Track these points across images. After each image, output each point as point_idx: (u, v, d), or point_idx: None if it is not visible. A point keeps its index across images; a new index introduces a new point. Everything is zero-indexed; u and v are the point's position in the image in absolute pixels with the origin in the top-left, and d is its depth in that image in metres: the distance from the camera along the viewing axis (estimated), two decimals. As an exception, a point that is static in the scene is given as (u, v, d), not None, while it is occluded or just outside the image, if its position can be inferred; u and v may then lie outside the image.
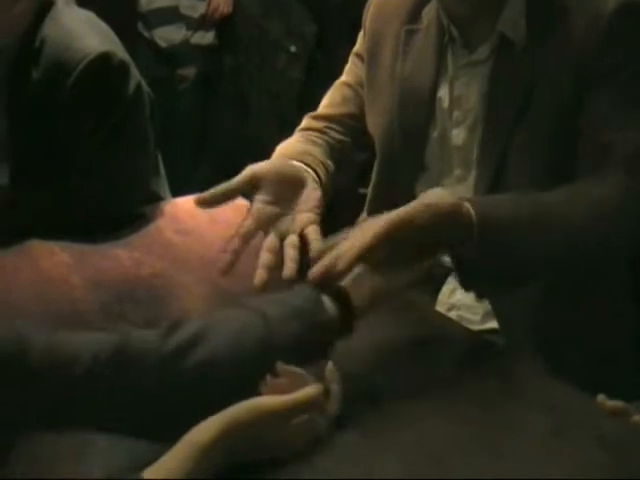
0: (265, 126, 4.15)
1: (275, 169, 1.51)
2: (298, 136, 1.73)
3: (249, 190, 1.49)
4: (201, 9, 4.01)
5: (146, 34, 3.91)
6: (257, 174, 1.49)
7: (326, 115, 1.76)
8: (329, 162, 1.66)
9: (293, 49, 4.08)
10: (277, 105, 4.16)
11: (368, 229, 1.20)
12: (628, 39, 1.45)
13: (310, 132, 1.73)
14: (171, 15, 3.89)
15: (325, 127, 1.74)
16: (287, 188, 1.49)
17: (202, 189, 1.93)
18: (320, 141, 1.70)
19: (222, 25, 4.10)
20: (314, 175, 1.56)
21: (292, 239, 1.43)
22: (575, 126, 1.47)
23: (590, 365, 1.48)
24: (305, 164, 1.57)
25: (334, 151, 1.70)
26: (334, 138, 1.73)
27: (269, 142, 4.23)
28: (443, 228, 1.24)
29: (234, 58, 4.22)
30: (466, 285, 1.36)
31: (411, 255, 1.24)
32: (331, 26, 4.13)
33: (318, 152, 1.65)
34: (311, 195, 1.50)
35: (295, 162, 1.56)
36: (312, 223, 1.45)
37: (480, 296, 1.46)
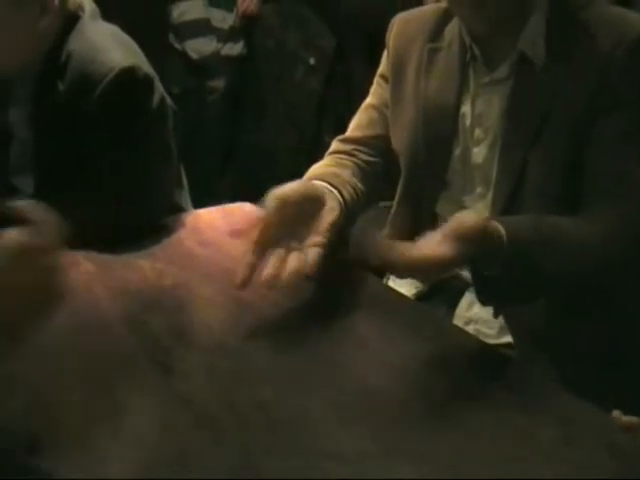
0: (283, 137, 4.19)
1: (297, 191, 1.51)
2: (327, 159, 1.77)
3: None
4: (230, 20, 4.06)
5: (177, 46, 3.95)
6: (283, 199, 1.48)
7: (354, 138, 1.78)
8: (358, 183, 1.68)
9: (312, 61, 4.12)
10: (295, 116, 4.20)
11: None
12: None
13: (339, 155, 1.76)
14: (203, 27, 3.94)
15: (354, 149, 1.76)
16: (308, 207, 1.50)
17: (225, 200, 1.98)
18: (349, 163, 1.73)
19: (249, 35, 4.14)
20: (338, 196, 1.57)
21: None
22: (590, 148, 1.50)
23: (604, 379, 1.50)
24: (330, 185, 1.58)
25: (364, 173, 1.73)
26: (363, 160, 1.75)
27: (287, 152, 4.28)
28: (475, 245, 1.28)
29: (255, 68, 4.26)
30: (484, 300, 1.40)
31: None
32: (349, 39, 4.16)
33: (346, 174, 1.67)
34: (325, 217, 1.50)
35: (318, 182, 1.57)
36: (317, 247, 1.45)
37: (496, 311, 1.49)
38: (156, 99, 1.84)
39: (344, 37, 4.15)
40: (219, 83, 4.04)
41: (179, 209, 1.94)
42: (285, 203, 1.47)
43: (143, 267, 1.64)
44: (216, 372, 1.32)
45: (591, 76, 1.49)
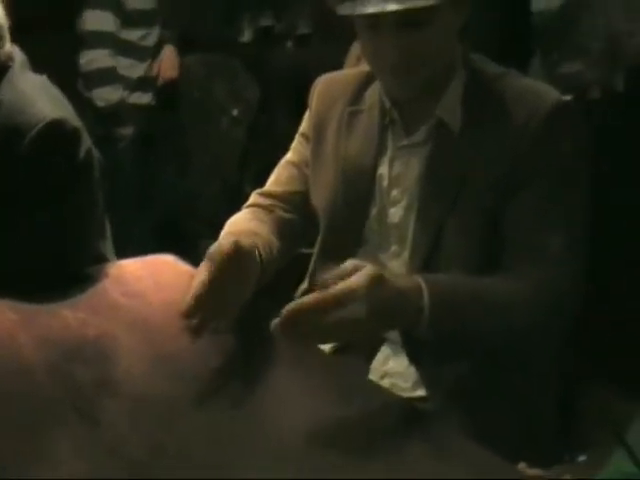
0: (207, 185, 4.22)
1: (233, 249, 1.54)
2: (246, 213, 1.82)
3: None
4: (139, 70, 4.10)
5: (85, 94, 3.96)
6: (226, 255, 1.52)
7: (273, 193, 1.84)
8: (275, 240, 1.74)
9: (235, 112, 4.18)
10: (219, 166, 4.24)
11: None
12: (559, 141, 1.56)
13: (258, 209, 1.82)
14: (109, 75, 3.97)
15: (272, 205, 1.82)
16: (236, 267, 1.55)
17: (141, 249, 2.01)
18: (267, 219, 1.79)
19: (163, 86, 4.18)
20: (257, 254, 1.62)
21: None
22: (505, 212, 1.57)
23: (513, 432, 1.56)
24: (254, 246, 1.63)
25: (281, 229, 1.78)
26: (281, 216, 1.81)
27: (209, 201, 4.31)
28: (398, 304, 1.36)
29: (177, 118, 4.30)
30: (415, 361, 1.50)
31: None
32: (274, 92, 4.24)
33: (264, 231, 1.73)
34: (248, 276, 1.57)
35: (244, 240, 1.61)
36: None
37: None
38: (83, 151, 1.87)
39: (270, 91, 4.23)
40: (127, 131, 4.07)
41: (103, 259, 1.97)
42: (227, 259, 1.52)
43: (67, 316, 1.66)
44: (140, 421, 1.35)
45: (507, 145, 1.56)
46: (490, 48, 2.20)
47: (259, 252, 1.64)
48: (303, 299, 1.31)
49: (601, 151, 3.17)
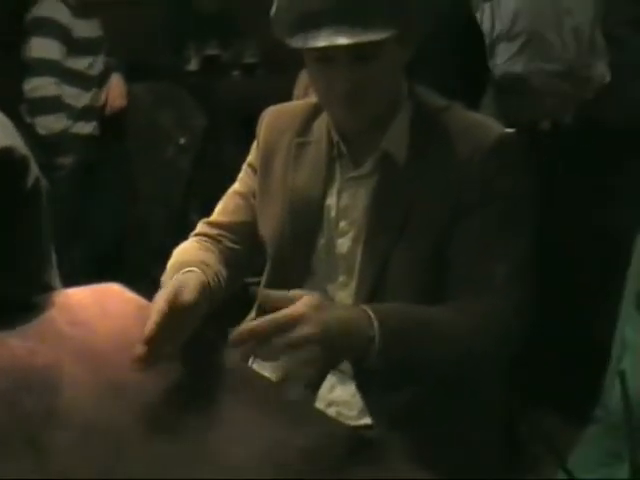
0: (152, 214, 4.22)
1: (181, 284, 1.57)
2: (194, 242, 1.83)
3: None
4: (85, 99, 4.09)
5: (28, 120, 3.94)
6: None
7: (220, 223, 1.85)
8: (222, 270, 1.75)
9: (182, 141, 4.19)
10: (163, 194, 4.25)
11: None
12: (502, 174, 1.60)
13: (205, 238, 1.83)
14: (54, 104, 3.95)
15: (219, 235, 1.83)
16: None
17: (77, 279, 2.01)
18: (214, 248, 1.80)
19: (109, 114, 4.18)
20: (208, 289, 1.64)
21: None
22: (451, 243, 1.60)
23: (459, 457, 1.59)
24: (203, 274, 1.65)
25: (227, 259, 1.80)
26: (227, 247, 1.82)
27: (155, 229, 4.31)
28: (346, 333, 1.40)
29: (121, 146, 4.30)
30: (361, 387, 1.53)
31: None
32: (220, 121, 4.26)
33: (212, 260, 1.74)
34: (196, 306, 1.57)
35: (194, 272, 1.64)
36: None
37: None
38: (31, 180, 1.87)
39: (217, 120, 4.24)
40: (67, 160, 4.05)
41: (49, 288, 1.96)
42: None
43: (14, 346, 1.65)
44: (88, 451, 1.35)
45: (452, 178, 1.60)
46: (444, 82, 2.26)
47: (209, 285, 1.65)
48: (248, 324, 1.34)
49: (549, 182, 3.27)
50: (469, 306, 1.56)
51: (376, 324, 1.41)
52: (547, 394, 2.75)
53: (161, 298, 1.51)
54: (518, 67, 3.52)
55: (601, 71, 3.55)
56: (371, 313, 1.42)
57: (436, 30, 2.71)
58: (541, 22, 3.49)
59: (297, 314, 1.34)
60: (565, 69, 3.52)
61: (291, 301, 1.37)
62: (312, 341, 1.34)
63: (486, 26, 3.44)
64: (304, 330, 1.33)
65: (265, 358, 1.47)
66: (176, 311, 1.50)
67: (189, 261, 1.70)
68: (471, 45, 2.85)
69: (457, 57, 2.73)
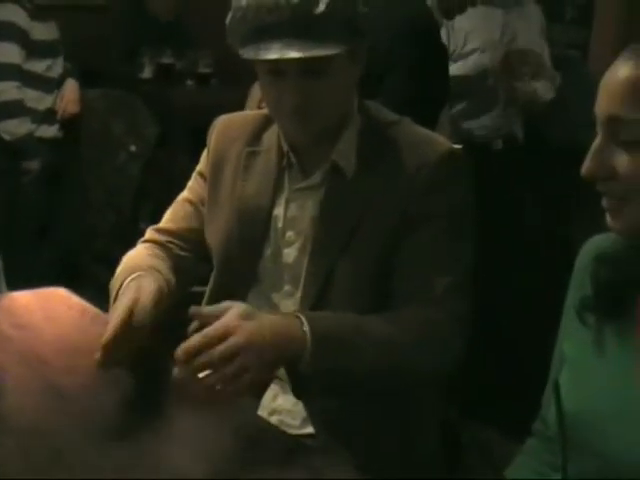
0: (102, 220, 4.20)
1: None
2: (143, 249, 1.82)
3: None
4: (47, 102, 4.06)
5: None
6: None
7: (169, 230, 1.85)
8: (171, 276, 1.76)
9: (133, 148, 4.18)
10: (113, 200, 4.23)
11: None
12: (447, 189, 1.63)
13: (154, 245, 1.83)
14: (16, 108, 3.91)
15: (167, 241, 1.84)
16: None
17: (40, 282, 2.00)
18: (163, 255, 1.80)
19: (66, 119, 4.16)
20: (161, 290, 1.65)
21: None
22: (393, 252, 1.62)
23: (393, 467, 1.61)
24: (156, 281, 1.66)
25: (176, 266, 1.80)
26: (176, 253, 1.83)
27: (104, 236, 4.28)
28: (281, 340, 1.42)
29: (76, 151, 4.28)
30: (297, 393, 1.54)
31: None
32: (173, 130, 4.26)
33: (163, 268, 1.75)
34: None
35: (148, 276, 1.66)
36: None
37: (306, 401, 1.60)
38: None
39: (169, 127, 4.24)
40: (33, 164, 4.02)
41: (-5, 292, 1.96)
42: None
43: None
44: (32, 456, 1.34)
45: (398, 192, 1.62)
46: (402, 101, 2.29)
47: (162, 290, 1.66)
48: (185, 343, 1.38)
49: (500, 198, 3.31)
50: (407, 316, 1.58)
51: (307, 328, 1.44)
52: (485, 407, 2.77)
53: (122, 305, 1.55)
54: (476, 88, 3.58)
55: (543, 90, 3.64)
56: (302, 318, 1.45)
57: (397, 45, 2.74)
58: (490, 43, 3.57)
59: (225, 326, 1.39)
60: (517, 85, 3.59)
61: (220, 314, 1.41)
62: (242, 350, 1.37)
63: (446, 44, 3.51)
64: (233, 341, 1.37)
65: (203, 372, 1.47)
66: (133, 319, 1.53)
67: (140, 265, 1.71)
68: (433, 62, 2.87)
69: (418, 73, 2.75)
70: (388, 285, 1.63)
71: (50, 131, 4.08)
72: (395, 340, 1.53)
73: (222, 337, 1.37)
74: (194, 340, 1.39)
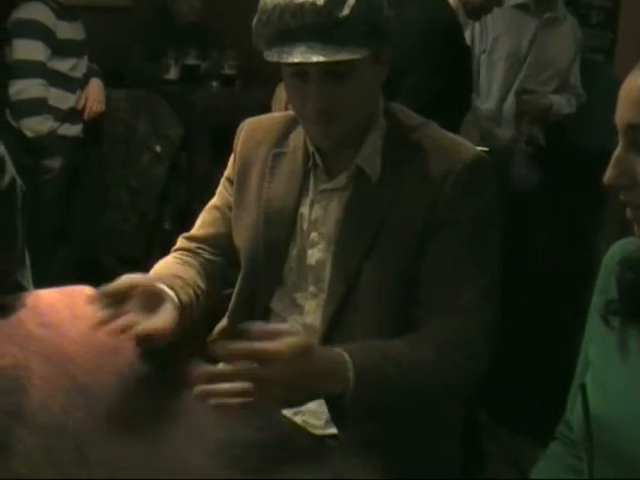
0: (125, 220, 4.22)
1: (146, 283, 1.66)
2: (173, 257, 1.86)
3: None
4: (70, 101, 4.08)
5: (14, 123, 3.92)
6: (135, 283, 1.63)
7: (198, 236, 1.88)
8: (200, 283, 1.79)
9: (158, 149, 4.19)
10: (137, 201, 4.24)
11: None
12: (474, 195, 1.62)
13: (184, 252, 1.87)
14: (39, 106, 3.93)
15: (197, 248, 1.87)
16: (149, 301, 1.64)
17: (62, 282, 2.01)
18: (193, 262, 1.83)
19: (89, 119, 4.18)
20: (175, 298, 1.68)
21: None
22: (421, 261, 1.62)
23: (418, 473, 1.61)
24: (170, 287, 1.69)
25: (207, 272, 1.83)
26: (206, 259, 1.86)
27: (128, 237, 4.30)
28: (322, 376, 1.40)
29: (98, 151, 4.30)
30: (337, 421, 1.57)
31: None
32: (196, 131, 4.26)
33: (189, 274, 1.78)
34: (161, 315, 1.64)
35: (163, 285, 1.68)
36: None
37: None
38: (6, 180, 1.88)
39: (192, 129, 4.25)
40: (55, 163, 4.04)
41: (21, 288, 1.97)
42: (134, 287, 1.62)
43: (-18, 342, 1.66)
44: (54, 453, 1.35)
45: (424, 198, 1.61)
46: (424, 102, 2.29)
47: (178, 296, 1.69)
48: (234, 344, 1.34)
49: (521, 201, 3.31)
50: (436, 334, 1.57)
51: (351, 367, 1.41)
52: (510, 413, 2.77)
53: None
54: (494, 89, 3.59)
55: (562, 105, 3.70)
56: (347, 356, 1.42)
57: (420, 46, 2.74)
58: (515, 51, 3.58)
59: (279, 355, 1.34)
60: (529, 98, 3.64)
61: (278, 333, 1.38)
62: (279, 384, 1.35)
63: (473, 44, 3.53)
64: (276, 370, 1.34)
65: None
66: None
67: (162, 274, 1.75)
68: (456, 63, 2.87)
69: (441, 74, 2.75)
70: (414, 291, 1.62)
71: (72, 130, 4.10)
72: (431, 366, 1.53)
73: (270, 360, 1.33)
74: (243, 346, 1.35)
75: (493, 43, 3.56)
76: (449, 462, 1.74)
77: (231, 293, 1.84)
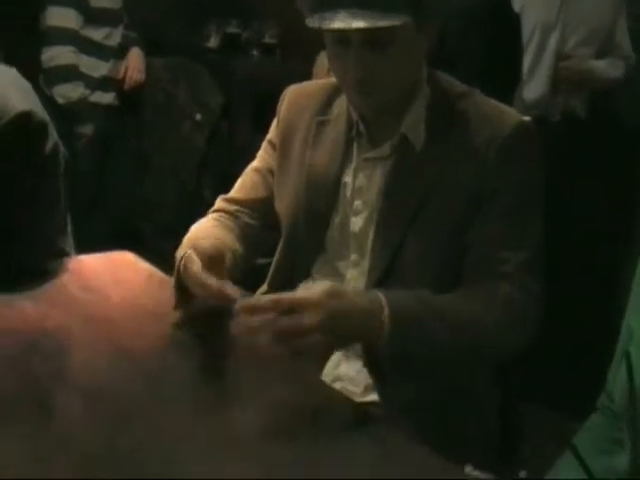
0: (164, 189, 4.23)
1: (212, 250, 1.64)
2: (211, 219, 1.86)
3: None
4: (103, 69, 4.10)
5: (46, 90, 3.94)
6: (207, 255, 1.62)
7: (237, 199, 1.88)
8: (238, 246, 1.79)
9: (198, 117, 4.19)
10: (177, 170, 4.26)
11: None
12: (519, 162, 1.61)
13: (222, 215, 1.86)
14: (70, 73, 3.96)
15: (236, 211, 1.86)
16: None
17: (97, 248, 2.03)
18: (232, 225, 1.83)
19: (128, 88, 4.19)
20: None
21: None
22: (467, 229, 1.61)
23: (456, 439, 1.61)
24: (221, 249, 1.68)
25: (244, 235, 1.83)
26: (244, 222, 1.85)
27: (168, 205, 4.32)
28: (356, 318, 1.42)
29: (137, 120, 4.31)
30: (378, 386, 1.57)
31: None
32: (236, 100, 4.26)
33: (229, 238, 1.78)
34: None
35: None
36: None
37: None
38: (49, 145, 1.88)
39: (233, 98, 4.25)
40: (86, 129, 4.07)
41: (63, 254, 1.98)
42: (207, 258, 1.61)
43: (26, 309, 1.68)
44: (96, 416, 1.37)
45: (469, 166, 1.61)
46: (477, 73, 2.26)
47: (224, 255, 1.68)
48: (258, 298, 1.36)
49: (559, 172, 3.27)
50: (485, 293, 1.57)
51: (387, 310, 1.43)
52: (548, 388, 2.76)
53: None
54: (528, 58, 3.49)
55: (608, 70, 3.54)
56: (383, 298, 1.44)
57: (470, 17, 2.71)
58: (544, 19, 3.47)
59: (308, 301, 1.37)
60: (568, 64, 3.50)
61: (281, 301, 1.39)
62: (314, 330, 1.36)
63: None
64: (309, 319, 1.36)
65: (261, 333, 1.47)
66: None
67: (205, 236, 1.73)
68: (506, 33, 2.83)
69: (492, 45, 2.72)
70: (459, 260, 1.62)
71: (105, 98, 4.12)
72: (475, 319, 1.54)
73: (300, 308, 1.36)
74: (269, 301, 1.38)
75: (523, 4, 3.45)
76: (487, 432, 1.74)
77: (270, 262, 1.85)
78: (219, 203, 1.90)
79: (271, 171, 1.84)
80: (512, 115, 1.66)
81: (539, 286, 1.61)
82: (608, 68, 3.54)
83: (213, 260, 1.62)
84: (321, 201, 1.73)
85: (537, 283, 1.61)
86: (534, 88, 3.48)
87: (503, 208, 1.60)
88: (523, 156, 1.62)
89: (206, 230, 1.79)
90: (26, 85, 1.96)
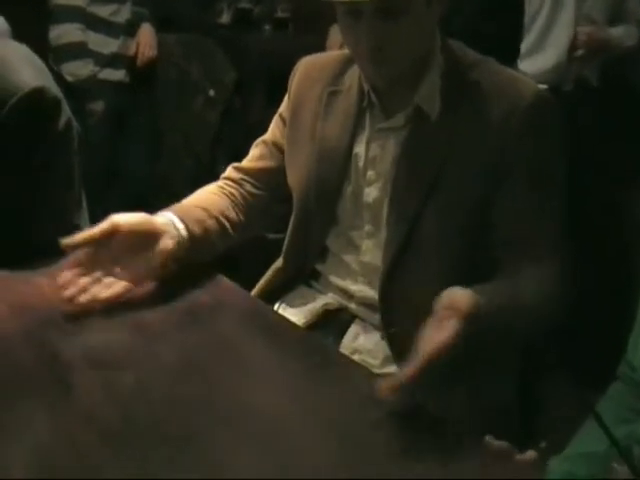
0: (178, 165, 4.23)
1: (131, 223, 1.66)
2: (215, 185, 1.88)
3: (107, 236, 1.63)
4: (112, 46, 4.08)
5: (55, 68, 3.92)
6: (116, 225, 1.63)
7: (244, 168, 1.89)
8: (235, 215, 1.82)
9: (212, 93, 4.18)
10: (191, 146, 4.25)
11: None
12: (541, 134, 1.59)
13: (228, 182, 1.88)
14: (79, 50, 3.96)
15: (242, 179, 1.88)
16: (140, 240, 1.66)
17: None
18: (234, 192, 1.85)
19: (139, 64, 4.18)
20: (183, 232, 1.71)
21: None
22: (487, 203, 1.60)
23: (479, 412, 1.60)
24: (182, 219, 1.71)
25: (246, 204, 1.85)
26: (248, 191, 1.87)
27: (180, 181, 4.32)
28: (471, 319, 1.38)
29: (150, 96, 4.30)
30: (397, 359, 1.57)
31: None
32: (250, 75, 4.24)
33: (218, 205, 1.81)
34: (156, 253, 1.66)
35: (161, 218, 1.71)
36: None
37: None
38: (63, 121, 1.88)
39: (246, 73, 4.23)
40: (97, 106, 4.06)
41: (79, 229, 1.97)
42: (116, 229, 1.63)
43: (42, 284, 1.67)
44: (115, 389, 1.37)
45: (487, 136, 1.59)
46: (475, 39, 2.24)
47: (187, 228, 1.71)
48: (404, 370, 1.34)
49: (576, 141, 3.22)
50: (525, 272, 1.56)
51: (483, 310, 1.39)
52: (568, 357, 2.75)
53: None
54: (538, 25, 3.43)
55: (622, 37, 3.47)
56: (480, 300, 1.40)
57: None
58: None
59: (445, 346, 1.35)
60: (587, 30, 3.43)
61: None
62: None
63: None
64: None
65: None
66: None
67: (187, 205, 1.79)
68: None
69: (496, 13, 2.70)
70: (481, 235, 1.61)
71: (116, 75, 4.10)
72: (536, 303, 1.54)
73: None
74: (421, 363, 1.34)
75: None
76: (507, 404, 1.73)
77: (284, 237, 1.85)
78: (228, 170, 1.92)
79: (277, 145, 1.85)
80: (529, 85, 1.64)
81: (568, 261, 1.60)
82: (624, 36, 3.48)
83: (140, 234, 1.65)
84: (332, 172, 1.73)
85: (566, 258, 1.60)
86: (549, 56, 3.43)
87: (529, 182, 1.58)
88: (544, 127, 1.60)
89: (198, 198, 1.83)
90: (38, 62, 1.95)
